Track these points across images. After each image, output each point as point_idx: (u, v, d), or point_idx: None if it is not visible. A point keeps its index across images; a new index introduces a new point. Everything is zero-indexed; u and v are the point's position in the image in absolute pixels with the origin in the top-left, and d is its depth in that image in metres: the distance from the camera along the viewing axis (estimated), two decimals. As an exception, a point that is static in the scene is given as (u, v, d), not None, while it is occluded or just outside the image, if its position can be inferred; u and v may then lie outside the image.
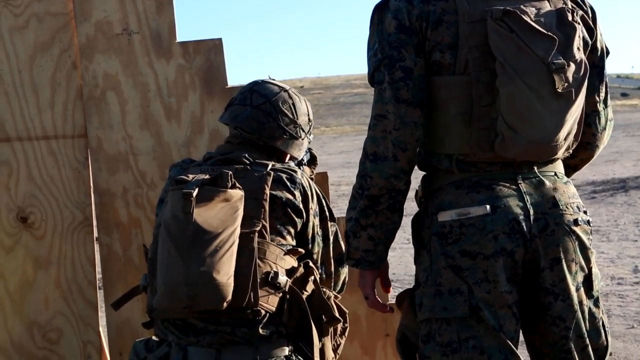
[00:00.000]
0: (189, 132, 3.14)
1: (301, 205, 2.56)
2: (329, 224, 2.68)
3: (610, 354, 2.38)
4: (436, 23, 2.24)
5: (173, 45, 3.13)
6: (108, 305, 3.04)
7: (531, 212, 2.25)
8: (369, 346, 3.21)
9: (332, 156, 17.62)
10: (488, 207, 2.24)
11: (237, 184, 2.47)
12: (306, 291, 2.53)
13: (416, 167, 2.36)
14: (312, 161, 2.93)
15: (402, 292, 2.46)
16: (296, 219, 2.55)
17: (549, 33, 2.19)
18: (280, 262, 2.49)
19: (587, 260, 2.30)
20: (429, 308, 2.28)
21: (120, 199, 3.15)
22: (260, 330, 2.43)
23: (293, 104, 2.70)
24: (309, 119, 2.75)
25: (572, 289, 2.27)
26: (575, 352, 2.29)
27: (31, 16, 3.12)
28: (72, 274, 3.17)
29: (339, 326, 2.64)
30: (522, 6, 2.21)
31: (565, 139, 2.26)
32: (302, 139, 2.72)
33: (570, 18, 2.24)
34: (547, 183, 2.29)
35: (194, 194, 2.39)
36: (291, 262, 2.52)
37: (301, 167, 2.83)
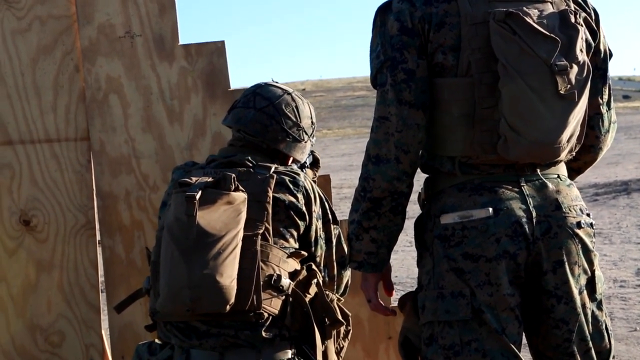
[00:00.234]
0: (192, 135, 3.14)
1: (304, 208, 2.56)
2: (332, 226, 2.67)
3: (614, 357, 2.38)
4: (438, 25, 2.24)
5: (176, 48, 3.13)
6: (110, 308, 3.03)
7: (534, 214, 2.25)
8: (372, 349, 3.21)
9: (334, 159, 17.62)
10: (491, 209, 2.23)
11: (240, 187, 2.47)
12: (309, 294, 2.53)
13: (418, 170, 2.36)
14: (315, 164, 2.93)
15: (405, 295, 2.46)
16: (299, 221, 2.55)
17: (552, 35, 2.19)
18: (283, 264, 2.48)
19: (590, 262, 2.30)
20: (431, 311, 2.28)
21: (123, 202, 3.15)
22: (263, 333, 2.42)
23: (296, 107, 2.70)
24: (312, 122, 2.75)
25: (575, 291, 2.27)
26: (578, 355, 2.28)
27: (34, 19, 3.12)
28: (75, 277, 3.17)
29: (342, 329, 2.64)
30: (524, 8, 2.21)
31: (568, 141, 2.26)
32: (305, 142, 2.72)
33: (573, 20, 2.24)
34: (550, 185, 2.29)
35: (197, 196, 2.39)
36: (294, 264, 2.52)
37: (304, 170, 2.83)
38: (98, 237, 3.20)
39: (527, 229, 2.23)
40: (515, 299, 2.25)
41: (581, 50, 2.24)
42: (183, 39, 3.15)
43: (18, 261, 3.16)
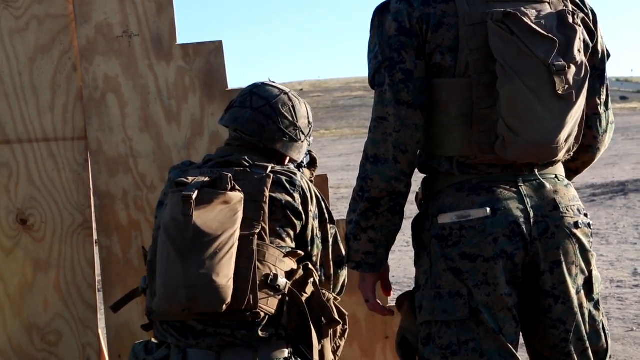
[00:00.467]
0: (189, 135, 3.14)
1: (300, 208, 2.56)
2: (329, 226, 2.67)
3: (610, 357, 2.38)
4: (436, 25, 2.24)
5: (173, 47, 3.13)
6: (107, 308, 3.03)
7: (531, 214, 2.25)
8: (369, 349, 3.21)
9: (332, 159, 17.62)
10: (488, 209, 2.24)
11: (237, 187, 2.47)
12: (305, 293, 2.53)
13: (416, 170, 2.36)
14: (312, 164, 2.93)
15: (402, 295, 2.46)
16: (295, 221, 2.55)
17: (550, 35, 2.19)
18: (279, 264, 2.49)
19: (588, 263, 2.30)
20: (428, 310, 2.28)
21: (120, 202, 3.15)
22: (260, 333, 2.42)
23: (293, 107, 2.70)
24: (308, 122, 2.75)
25: (573, 291, 2.27)
26: (575, 355, 2.28)
27: (31, 18, 3.12)
28: (72, 277, 3.17)
29: (339, 328, 2.64)
30: (522, 8, 2.21)
31: (565, 141, 2.26)
32: (302, 142, 2.72)
33: (571, 20, 2.24)
34: (548, 186, 2.29)
35: (194, 196, 2.39)
36: (290, 264, 2.52)
37: (301, 170, 2.83)
38: (95, 237, 3.20)
39: (524, 229, 2.24)
40: (512, 298, 2.25)
41: (579, 51, 2.24)
42: (181, 39, 3.15)
43: (15, 260, 3.16)
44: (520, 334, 2.31)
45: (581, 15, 2.31)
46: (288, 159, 2.73)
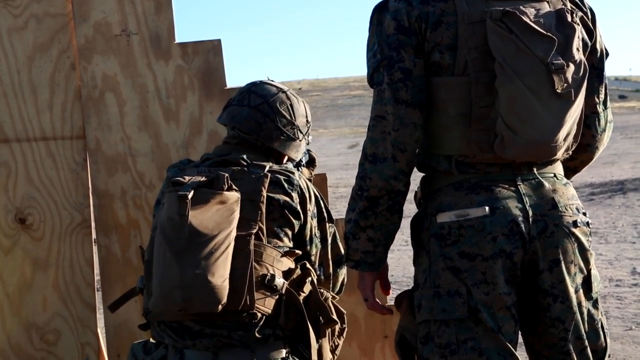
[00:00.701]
0: (188, 133, 3.14)
1: (299, 207, 2.56)
2: (327, 225, 2.67)
3: (609, 356, 2.38)
4: (435, 24, 2.23)
5: (172, 46, 3.13)
6: (106, 307, 3.03)
7: (530, 213, 2.25)
8: (368, 348, 3.21)
9: (330, 158, 17.63)
10: (487, 208, 2.24)
11: (234, 186, 2.47)
12: (303, 292, 2.52)
13: (415, 169, 2.36)
14: (311, 163, 2.93)
15: (401, 294, 2.46)
16: (293, 220, 2.55)
17: (548, 34, 2.19)
18: (277, 264, 2.48)
19: (586, 262, 2.30)
20: (427, 309, 2.28)
21: (119, 201, 3.15)
22: (257, 333, 2.42)
23: (291, 105, 2.70)
24: (306, 121, 2.75)
25: (571, 290, 2.27)
26: (574, 354, 2.29)
27: (30, 17, 3.12)
28: (71, 276, 3.17)
29: (337, 327, 2.63)
30: (521, 7, 2.21)
31: (564, 140, 2.26)
32: (300, 141, 2.72)
33: (569, 19, 2.24)
34: (547, 184, 2.29)
35: (190, 196, 2.38)
36: (288, 263, 2.52)
37: (299, 169, 2.83)
38: (94, 236, 3.20)
39: (523, 228, 2.23)
40: (511, 297, 2.25)
41: (578, 49, 2.24)
42: (179, 38, 3.15)
43: (14, 259, 3.16)
44: (519, 333, 2.31)
45: (580, 14, 2.31)
46: (286, 157, 2.72)
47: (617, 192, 10.17)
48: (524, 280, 2.28)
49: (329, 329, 2.60)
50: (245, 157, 2.59)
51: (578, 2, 2.35)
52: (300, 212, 2.56)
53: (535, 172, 2.30)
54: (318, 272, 2.63)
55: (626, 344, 4.76)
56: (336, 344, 2.66)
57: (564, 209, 2.28)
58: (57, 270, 3.16)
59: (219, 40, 3.15)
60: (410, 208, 2.89)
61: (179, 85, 3.13)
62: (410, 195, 2.42)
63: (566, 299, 2.26)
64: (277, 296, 2.46)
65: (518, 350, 2.28)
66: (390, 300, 2.72)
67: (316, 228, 2.63)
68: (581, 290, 2.30)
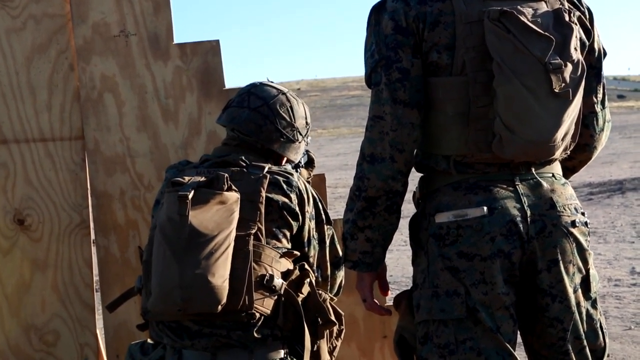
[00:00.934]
0: (187, 134, 3.14)
1: (297, 208, 2.56)
2: (325, 227, 2.67)
3: (608, 356, 2.38)
4: (433, 24, 2.24)
5: (170, 46, 3.12)
6: (105, 308, 3.03)
7: (528, 213, 2.25)
8: (367, 348, 3.21)
9: (329, 158, 17.62)
10: (485, 208, 2.24)
11: (233, 187, 2.47)
12: (302, 294, 2.52)
13: (413, 169, 2.36)
14: (310, 163, 2.93)
15: (400, 294, 2.46)
16: (292, 221, 2.55)
17: (546, 33, 2.20)
18: (275, 264, 2.48)
19: (585, 261, 2.30)
20: (426, 310, 2.28)
21: (118, 201, 3.15)
22: (255, 333, 2.42)
23: (291, 107, 2.70)
24: (306, 122, 2.75)
25: (570, 290, 2.27)
26: (572, 354, 2.29)
27: (28, 18, 3.12)
28: (69, 277, 3.16)
29: (335, 328, 2.63)
30: (519, 7, 2.22)
31: (562, 139, 2.26)
32: (300, 142, 2.72)
33: (567, 18, 2.24)
34: (545, 184, 2.29)
35: (190, 196, 2.38)
36: (287, 264, 2.52)
37: (298, 170, 2.83)
38: (93, 237, 3.20)
39: (521, 228, 2.24)
40: (510, 297, 2.25)
41: (575, 49, 2.24)
42: (178, 38, 3.15)
43: (12, 260, 3.15)
44: (518, 332, 2.31)
45: (577, 13, 2.31)
46: (285, 159, 2.73)
47: (616, 192, 10.17)
48: (522, 280, 2.28)
49: (327, 330, 2.60)
50: (244, 158, 2.59)
51: (576, 1, 2.36)
52: (299, 214, 2.56)
53: (534, 172, 2.30)
54: (316, 274, 2.63)
55: (625, 344, 4.76)
56: (334, 345, 2.66)
57: (562, 208, 2.28)
58: (56, 271, 3.16)
59: (217, 41, 3.15)
60: (409, 208, 2.89)
61: (177, 86, 3.13)
62: (409, 196, 2.42)
63: (565, 299, 2.27)
64: (276, 297, 2.46)
65: (517, 350, 2.28)
66: (389, 300, 2.73)
67: (314, 230, 2.63)
68: (580, 290, 2.30)
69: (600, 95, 2.43)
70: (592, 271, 2.34)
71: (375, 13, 2.31)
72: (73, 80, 3.14)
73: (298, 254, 2.56)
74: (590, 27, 2.36)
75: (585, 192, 10.32)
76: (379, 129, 2.27)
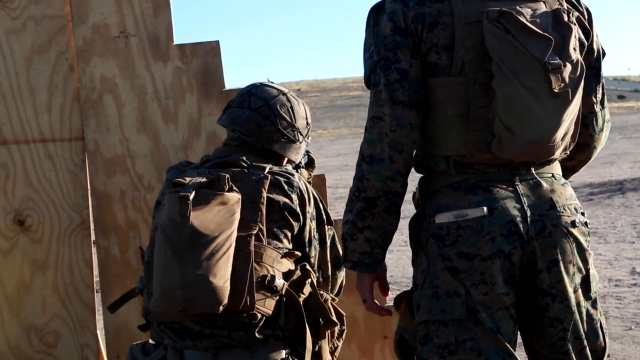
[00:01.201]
0: (187, 135, 3.14)
1: (298, 209, 2.56)
2: (326, 227, 2.67)
3: (608, 356, 2.39)
4: (432, 25, 2.24)
5: (170, 47, 3.13)
6: (105, 308, 3.03)
7: (528, 213, 2.25)
8: (367, 348, 3.21)
9: (330, 159, 17.63)
10: (485, 209, 2.24)
11: (234, 187, 2.47)
12: (303, 294, 2.52)
13: (413, 170, 2.36)
14: (310, 164, 2.93)
15: (400, 294, 2.46)
16: (293, 222, 2.55)
17: (545, 34, 2.20)
18: (277, 265, 2.48)
19: (585, 261, 2.30)
20: (426, 310, 2.28)
21: (118, 202, 3.15)
22: (257, 334, 2.42)
23: (291, 107, 2.70)
24: (307, 123, 2.75)
25: (570, 290, 2.27)
26: (573, 354, 2.29)
27: (28, 19, 3.12)
28: (70, 277, 3.16)
29: (336, 329, 2.63)
30: (517, 7, 2.22)
31: (562, 139, 2.26)
32: (300, 143, 2.72)
33: (566, 19, 2.24)
34: (545, 185, 2.29)
35: (191, 197, 2.38)
36: (288, 265, 2.52)
37: (299, 170, 2.83)
38: (93, 237, 3.20)
39: (521, 228, 2.24)
40: (510, 298, 2.25)
41: (574, 49, 2.24)
42: (178, 39, 3.15)
43: (12, 261, 3.16)
44: (518, 333, 2.31)
45: (576, 13, 2.32)
46: (286, 159, 2.73)
47: (616, 192, 10.17)
48: (522, 280, 2.28)
49: (329, 331, 2.60)
50: (245, 158, 2.59)
51: (574, 1, 2.36)
52: (300, 214, 2.56)
53: (534, 172, 2.30)
54: (317, 275, 2.63)
55: (625, 344, 4.76)
56: (335, 345, 2.66)
57: (562, 209, 2.28)
58: (56, 272, 3.16)
59: (217, 42, 3.15)
60: (409, 209, 2.89)
61: (177, 87, 3.13)
62: (409, 196, 2.42)
63: (565, 299, 2.27)
64: (277, 297, 2.46)
65: (517, 350, 2.28)
66: (390, 301, 2.73)
67: (315, 230, 2.63)
68: (580, 290, 2.30)
69: (599, 95, 2.43)
70: (592, 271, 2.34)
71: (374, 14, 2.31)
72: (73, 81, 3.14)
73: (299, 254, 2.56)
74: (589, 27, 2.36)
75: (585, 193, 10.32)
76: (378, 130, 2.27)
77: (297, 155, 2.73)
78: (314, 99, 39.04)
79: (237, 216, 2.42)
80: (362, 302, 2.46)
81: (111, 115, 3.13)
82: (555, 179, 2.33)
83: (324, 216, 2.66)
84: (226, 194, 2.44)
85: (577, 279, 2.29)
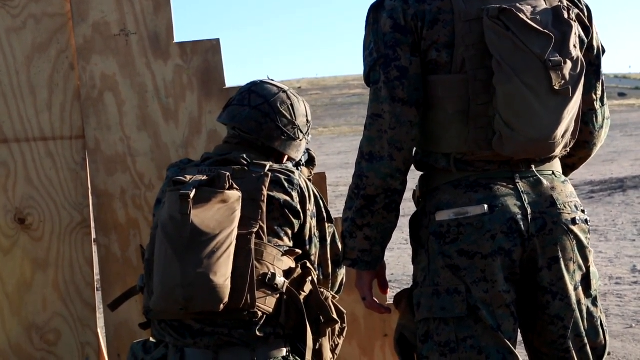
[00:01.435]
0: (187, 133, 3.14)
1: (299, 207, 2.56)
2: (327, 225, 2.67)
3: (609, 354, 2.38)
4: (432, 22, 2.24)
5: (171, 45, 3.13)
6: (106, 307, 3.03)
7: (529, 211, 2.25)
8: (368, 346, 3.21)
9: (330, 157, 17.63)
10: (486, 206, 2.24)
11: (235, 185, 2.47)
12: (304, 292, 2.53)
13: (413, 167, 2.36)
14: (311, 162, 2.93)
15: (400, 292, 2.46)
16: (293, 220, 2.55)
17: (545, 31, 2.19)
18: (277, 263, 2.48)
19: (585, 259, 2.30)
20: (427, 308, 2.28)
21: (118, 200, 3.15)
22: (258, 332, 2.42)
23: (291, 105, 2.70)
24: (307, 120, 2.75)
25: (570, 288, 2.27)
26: (573, 351, 2.29)
27: (28, 17, 3.12)
28: (70, 276, 3.17)
29: (337, 327, 2.64)
30: (518, 4, 2.21)
31: (562, 137, 2.26)
32: (300, 140, 2.72)
33: (566, 16, 2.24)
34: (545, 182, 2.29)
35: (192, 195, 2.39)
36: (288, 263, 2.52)
37: (299, 168, 2.83)
38: (93, 236, 3.20)
39: (522, 226, 2.24)
40: (510, 295, 2.25)
41: (575, 46, 2.24)
42: (178, 37, 3.15)
43: (13, 259, 3.16)
44: (519, 330, 2.31)
45: (576, 11, 2.31)
46: (286, 157, 2.73)
47: (617, 190, 10.17)
48: (523, 278, 2.28)
49: (329, 329, 2.60)
50: (245, 156, 2.59)
51: (574, -1, 2.36)
52: (300, 212, 2.56)
53: (534, 169, 2.30)
54: (317, 272, 2.64)
55: (626, 342, 4.76)
56: (336, 343, 2.66)
57: (562, 206, 2.28)
58: (57, 270, 3.16)
59: (217, 40, 3.15)
60: (409, 206, 2.89)
61: (178, 85, 3.13)
62: (409, 194, 2.42)
63: (565, 297, 2.27)
64: (278, 295, 2.46)
65: (517, 348, 2.28)
66: (390, 299, 2.73)
67: (315, 228, 2.63)
68: (580, 288, 2.30)
69: (599, 93, 2.43)
70: (593, 269, 2.34)
71: (374, 12, 2.31)
72: (73, 79, 3.14)
73: (300, 252, 2.56)
74: (588, 24, 2.36)
75: (586, 190, 10.32)
76: (378, 127, 2.27)
77: (298, 152, 2.73)
78: (315, 97, 39.04)
79: (238, 214, 2.42)
80: (362, 300, 2.46)
81: (112, 114, 3.13)
82: (556, 177, 2.33)
83: (325, 214, 2.67)
84: (227, 192, 2.44)
85: (578, 276, 2.29)
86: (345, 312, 2.67)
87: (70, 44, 3.14)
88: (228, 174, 2.47)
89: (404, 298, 2.42)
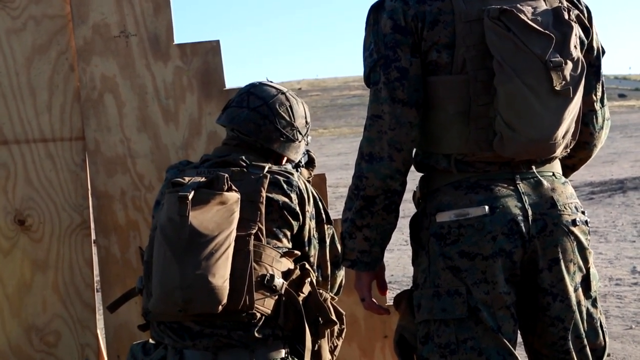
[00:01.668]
0: (187, 135, 3.14)
1: (297, 208, 2.56)
2: (325, 226, 2.67)
3: (609, 355, 2.38)
4: (432, 23, 2.24)
5: (170, 47, 3.13)
6: (106, 308, 3.03)
7: (529, 212, 2.25)
8: (368, 348, 3.21)
9: (330, 158, 17.64)
10: (487, 207, 2.24)
11: (233, 187, 2.47)
12: (302, 293, 2.53)
13: (413, 168, 2.36)
14: (310, 163, 2.93)
15: (400, 293, 2.46)
16: (292, 221, 2.55)
17: (546, 31, 2.20)
18: (276, 264, 2.48)
19: (585, 260, 2.30)
20: (427, 309, 2.28)
21: (118, 202, 3.15)
22: (256, 333, 2.42)
23: (290, 107, 2.70)
24: (306, 122, 2.75)
25: (571, 289, 2.27)
26: (573, 353, 2.29)
27: (29, 19, 3.12)
28: (70, 277, 3.17)
29: (336, 328, 2.64)
30: (518, 5, 2.22)
31: (563, 137, 2.26)
32: (299, 142, 2.72)
33: (566, 17, 2.24)
34: (545, 183, 2.29)
35: (190, 197, 2.39)
36: (287, 264, 2.52)
37: (298, 169, 2.83)
38: (93, 237, 3.20)
39: (523, 227, 2.24)
40: (511, 297, 2.25)
41: (575, 47, 2.24)
42: (178, 39, 3.15)
43: (13, 261, 3.16)
44: (519, 332, 2.31)
45: (576, 11, 2.31)
46: (285, 158, 2.73)
47: (617, 191, 10.17)
48: (523, 279, 2.28)
49: (328, 330, 2.60)
50: (244, 158, 2.59)
51: (574, 0, 2.36)
52: (299, 213, 2.56)
53: (534, 170, 2.30)
54: (316, 274, 2.64)
55: (626, 343, 4.75)
56: (335, 344, 2.66)
57: (562, 207, 2.28)
58: (57, 272, 3.16)
59: (217, 41, 3.15)
60: (409, 207, 2.89)
61: (177, 86, 3.13)
62: (409, 195, 2.42)
63: (565, 298, 2.26)
64: (277, 296, 2.46)
65: (517, 350, 2.28)
66: (389, 300, 2.73)
67: (314, 229, 2.63)
68: (580, 289, 2.30)
69: (599, 93, 2.43)
70: (593, 270, 2.34)
71: (374, 12, 2.31)
72: (73, 80, 3.14)
73: (299, 253, 2.56)
74: (588, 25, 2.36)
75: (586, 192, 10.31)
76: (378, 128, 2.27)
77: (297, 154, 2.73)
78: (315, 98, 39.05)
79: (236, 216, 2.42)
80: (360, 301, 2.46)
81: (111, 115, 3.13)
82: (556, 178, 2.33)
83: (324, 215, 2.67)
84: (225, 193, 2.44)
85: (578, 277, 2.29)
86: (344, 313, 2.67)
87: (70, 45, 3.14)
88: (227, 175, 2.47)
89: (403, 299, 2.42)
